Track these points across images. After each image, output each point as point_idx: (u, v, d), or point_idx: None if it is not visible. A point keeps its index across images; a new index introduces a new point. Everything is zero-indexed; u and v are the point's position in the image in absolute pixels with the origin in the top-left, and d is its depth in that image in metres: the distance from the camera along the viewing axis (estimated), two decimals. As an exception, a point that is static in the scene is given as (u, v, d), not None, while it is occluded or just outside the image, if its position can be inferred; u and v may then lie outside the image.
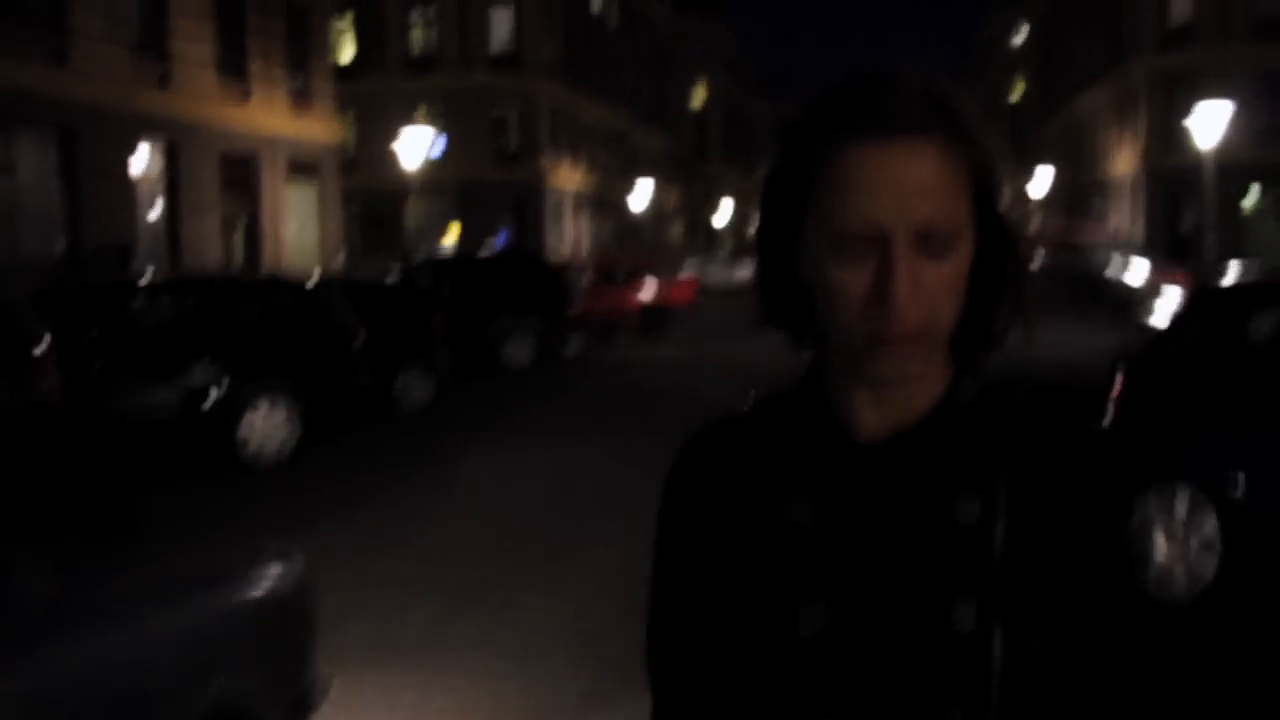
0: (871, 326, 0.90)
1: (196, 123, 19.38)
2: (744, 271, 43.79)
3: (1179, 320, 5.54)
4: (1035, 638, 0.92)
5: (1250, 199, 33.44)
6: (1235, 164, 29.80)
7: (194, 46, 19.49)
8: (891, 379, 0.93)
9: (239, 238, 21.28)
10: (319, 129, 24.02)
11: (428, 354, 12.60)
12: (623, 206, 47.48)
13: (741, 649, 0.97)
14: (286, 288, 10.76)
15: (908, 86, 0.92)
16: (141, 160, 18.23)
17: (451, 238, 37.06)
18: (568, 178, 42.18)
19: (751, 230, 1.04)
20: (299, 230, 23.39)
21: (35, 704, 2.31)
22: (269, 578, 3.08)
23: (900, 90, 0.92)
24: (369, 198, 35.10)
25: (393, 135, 34.97)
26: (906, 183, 0.89)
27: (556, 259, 25.86)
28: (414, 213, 37.82)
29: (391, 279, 15.71)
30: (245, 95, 21.19)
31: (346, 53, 36.89)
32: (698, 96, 67.66)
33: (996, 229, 0.96)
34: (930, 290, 0.90)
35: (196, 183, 19.57)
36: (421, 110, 37.52)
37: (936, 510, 0.94)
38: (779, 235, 0.97)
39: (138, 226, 17.85)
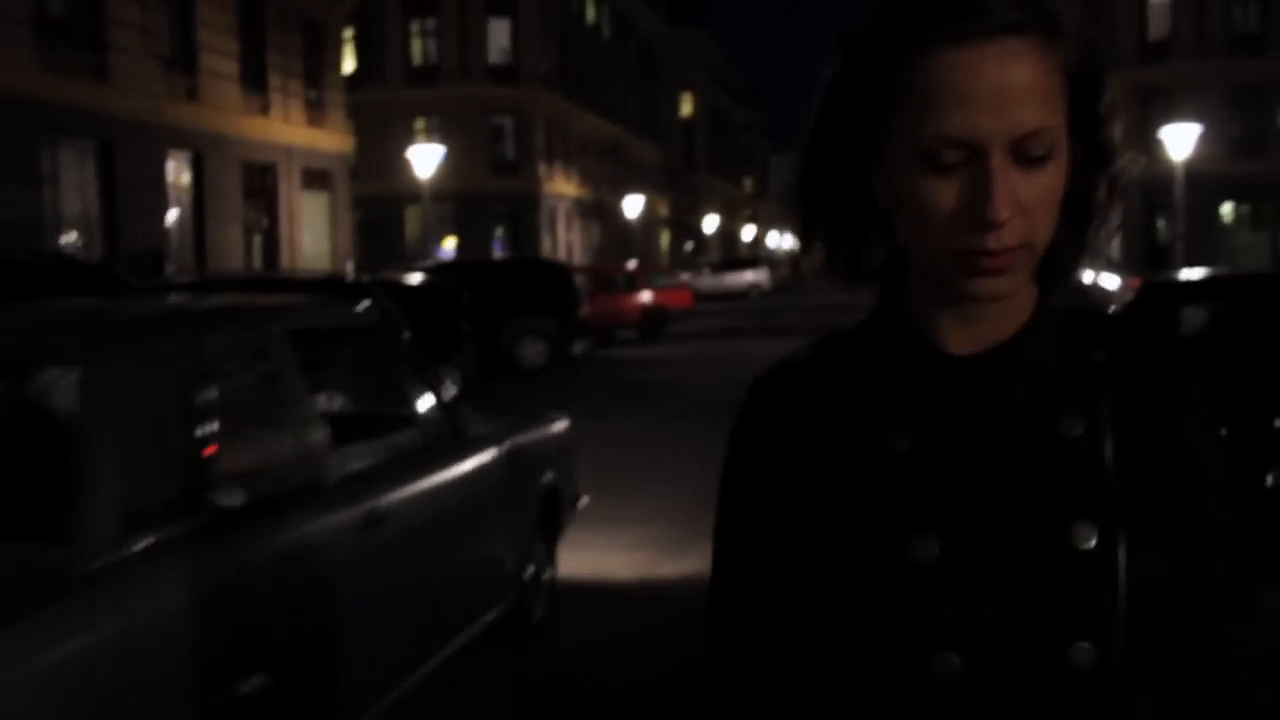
0: (966, 243, 0.85)
1: (221, 134, 20.27)
2: (733, 278, 44.94)
3: (1128, 311, 6.44)
4: (1157, 551, 0.89)
5: (1227, 208, 34.74)
6: (1211, 175, 31.06)
7: (220, 61, 20.40)
8: (985, 297, 0.88)
9: (258, 243, 22.15)
10: (331, 139, 24.94)
11: (459, 352, 13.53)
12: (614, 214, 48.47)
13: (842, 595, 0.90)
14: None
15: None
16: (171, 170, 19.11)
17: (450, 244, 37.92)
18: (562, 186, 43.14)
19: (809, 155, 0.95)
20: (312, 237, 24.30)
21: (476, 472, 4.22)
22: (560, 421, 5.36)
23: None
24: (369, 205, 35.92)
25: (393, 145, 35.98)
26: (1003, 88, 0.84)
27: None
28: (412, 220, 38.76)
29: (415, 282, 16.60)
30: (265, 108, 22.09)
31: (348, 64, 37.76)
32: (685, 106, 68.77)
33: (1095, 138, 0.91)
34: (1027, 203, 0.85)
35: (220, 191, 20.45)
36: (421, 120, 38.49)
37: (1039, 428, 0.90)
38: (844, 155, 0.93)
39: (168, 233, 18.70)
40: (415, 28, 39.08)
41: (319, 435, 3.25)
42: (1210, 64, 33.13)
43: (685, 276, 34.34)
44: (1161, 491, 0.91)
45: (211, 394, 2.85)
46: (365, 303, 4.62)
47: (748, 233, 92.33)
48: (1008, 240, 0.85)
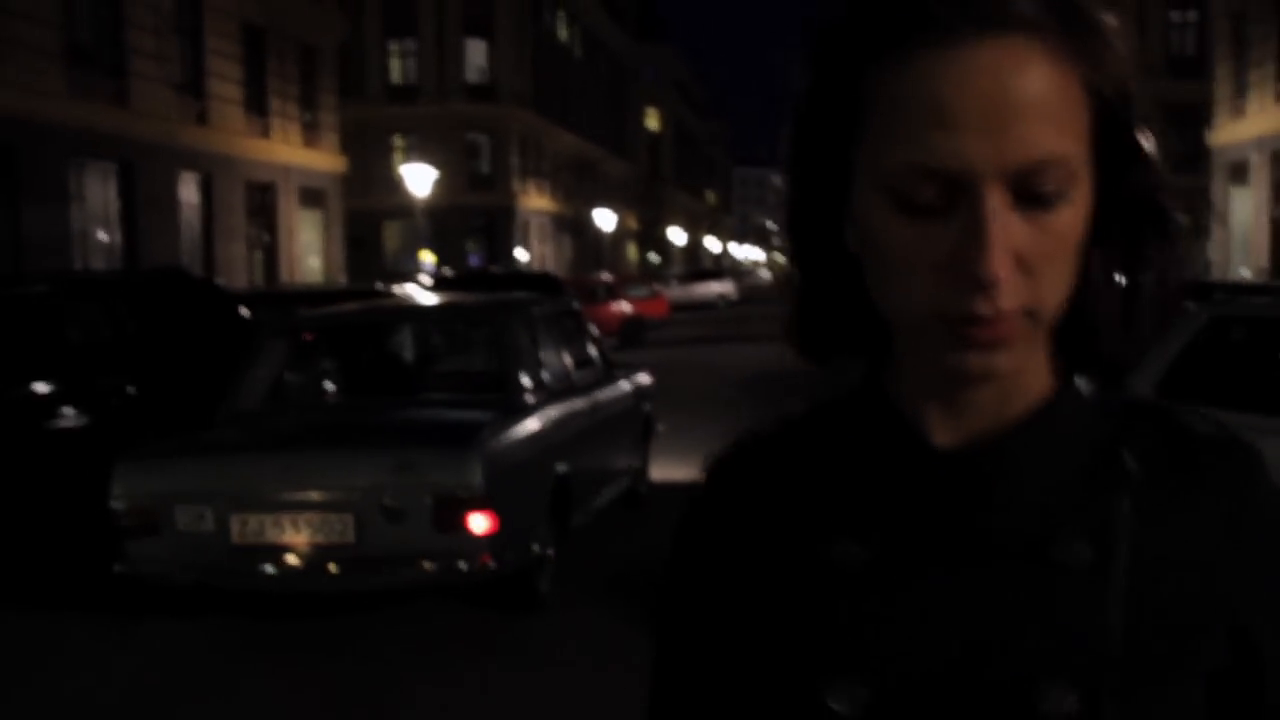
0: (949, 306, 0.63)
1: (227, 155, 21.43)
2: (702, 289, 46.48)
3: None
4: None
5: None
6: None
7: (226, 87, 21.58)
8: (974, 376, 0.65)
9: (259, 259, 23.30)
10: (325, 159, 26.15)
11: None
12: (586, 228, 49.85)
13: None
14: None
15: None
16: (183, 190, 20.27)
17: (429, 258, 39.10)
18: (536, 201, 44.45)
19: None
20: (308, 252, 25.49)
21: (618, 393, 7.17)
22: (647, 374, 8.17)
23: None
24: (350, 220, 37.04)
25: (372, 161, 37.11)
26: (1002, 103, 0.61)
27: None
28: (391, 234, 39.87)
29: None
30: (266, 130, 23.27)
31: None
32: (651, 121, 70.37)
33: (1127, 170, 0.67)
34: (1031, 257, 0.63)
35: (227, 210, 21.60)
36: (399, 138, 39.67)
37: (1033, 552, 0.67)
38: (815, 191, 0.71)
39: (181, 250, 19.82)
40: (394, 48, 40.28)
41: (570, 362, 6.54)
42: (1152, 85, 35.19)
43: (659, 287, 35.82)
44: (1189, 663, 0.66)
45: (539, 337, 6.14)
46: (569, 295, 8.05)
47: (713, 244, 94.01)
48: (1005, 304, 0.62)
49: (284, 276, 23.54)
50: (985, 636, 0.68)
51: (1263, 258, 23.86)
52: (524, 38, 42.23)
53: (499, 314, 6.19)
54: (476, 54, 40.82)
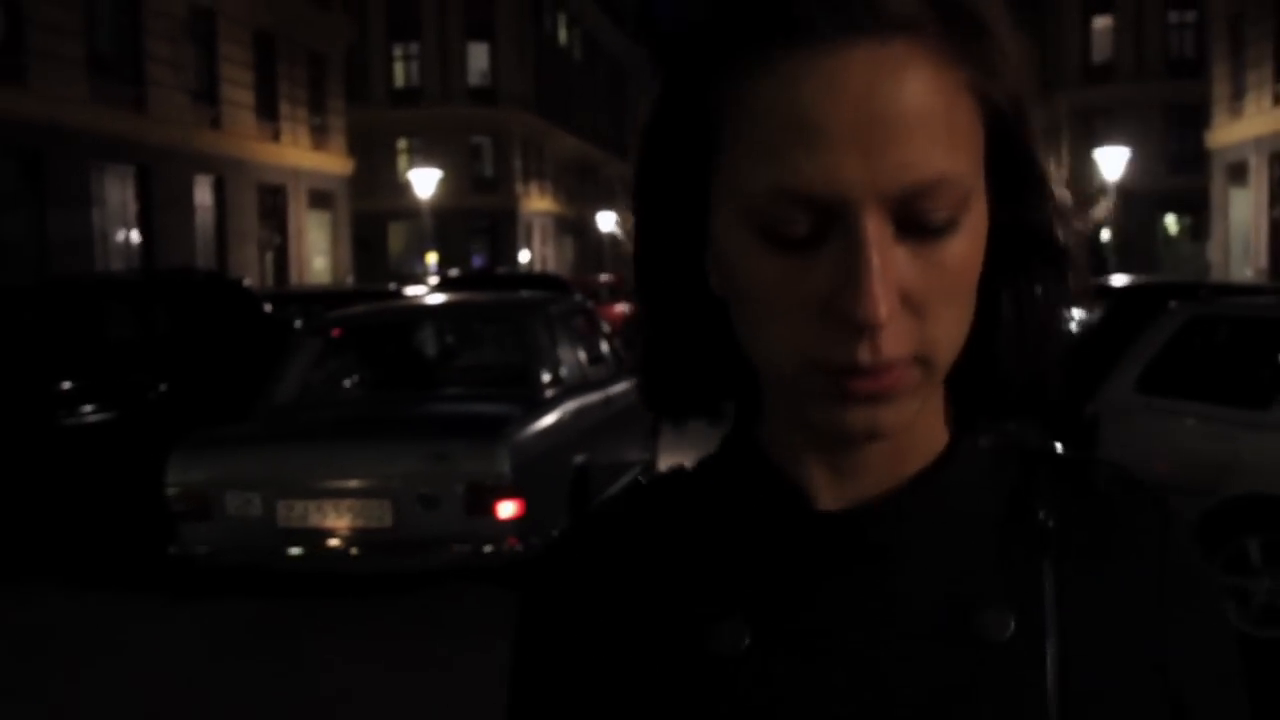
0: (827, 354, 0.54)
1: (240, 159, 21.89)
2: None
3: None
4: None
5: (1170, 220, 37.24)
6: (1151, 190, 33.51)
7: (238, 92, 22.04)
8: (858, 435, 0.56)
9: (269, 260, 23.75)
10: (333, 162, 26.61)
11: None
12: (587, 229, 50.29)
13: None
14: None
15: None
16: (197, 193, 20.73)
17: (433, 259, 39.56)
18: (538, 203, 44.89)
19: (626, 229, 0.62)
20: (316, 253, 25.95)
21: (609, 404, 6.89)
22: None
23: None
24: (355, 222, 37.49)
25: (377, 164, 37.54)
26: (878, 114, 0.52)
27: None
28: (395, 236, 40.30)
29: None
30: (276, 134, 23.74)
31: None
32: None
33: (1025, 192, 0.59)
34: (919, 295, 0.54)
35: (239, 212, 22.06)
36: (403, 140, 40.13)
37: (946, 625, 0.59)
38: (671, 223, 0.60)
39: (196, 251, 20.27)
40: (398, 52, 40.72)
41: (585, 357, 6.89)
42: (1148, 86, 35.62)
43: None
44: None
45: (557, 334, 6.45)
46: (579, 294, 8.10)
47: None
48: (889, 351, 0.53)
49: (294, 277, 23.99)
50: None
51: (1262, 258, 24.24)
52: (525, 41, 42.66)
53: (520, 313, 6.64)
54: (479, 57, 41.26)
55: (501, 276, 23.16)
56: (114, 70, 18.24)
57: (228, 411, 6.23)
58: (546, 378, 6.16)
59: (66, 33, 16.82)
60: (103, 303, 8.45)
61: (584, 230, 50.80)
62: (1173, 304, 5.66)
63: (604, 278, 30.34)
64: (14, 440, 6.70)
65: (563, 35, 49.84)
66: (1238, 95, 24.42)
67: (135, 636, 5.53)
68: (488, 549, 5.31)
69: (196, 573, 5.80)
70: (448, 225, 40.03)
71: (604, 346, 7.62)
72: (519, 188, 42.23)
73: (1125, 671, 0.60)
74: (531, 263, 42.76)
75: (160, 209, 19.24)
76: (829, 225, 0.53)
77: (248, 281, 10.87)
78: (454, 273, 23.67)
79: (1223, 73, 26.22)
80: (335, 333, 6.83)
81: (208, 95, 20.99)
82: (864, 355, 0.53)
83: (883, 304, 0.52)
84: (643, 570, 0.65)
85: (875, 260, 0.52)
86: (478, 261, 40.65)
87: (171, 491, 5.49)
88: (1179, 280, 9.70)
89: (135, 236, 18.92)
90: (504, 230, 41.49)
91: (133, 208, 18.89)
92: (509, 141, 41.47)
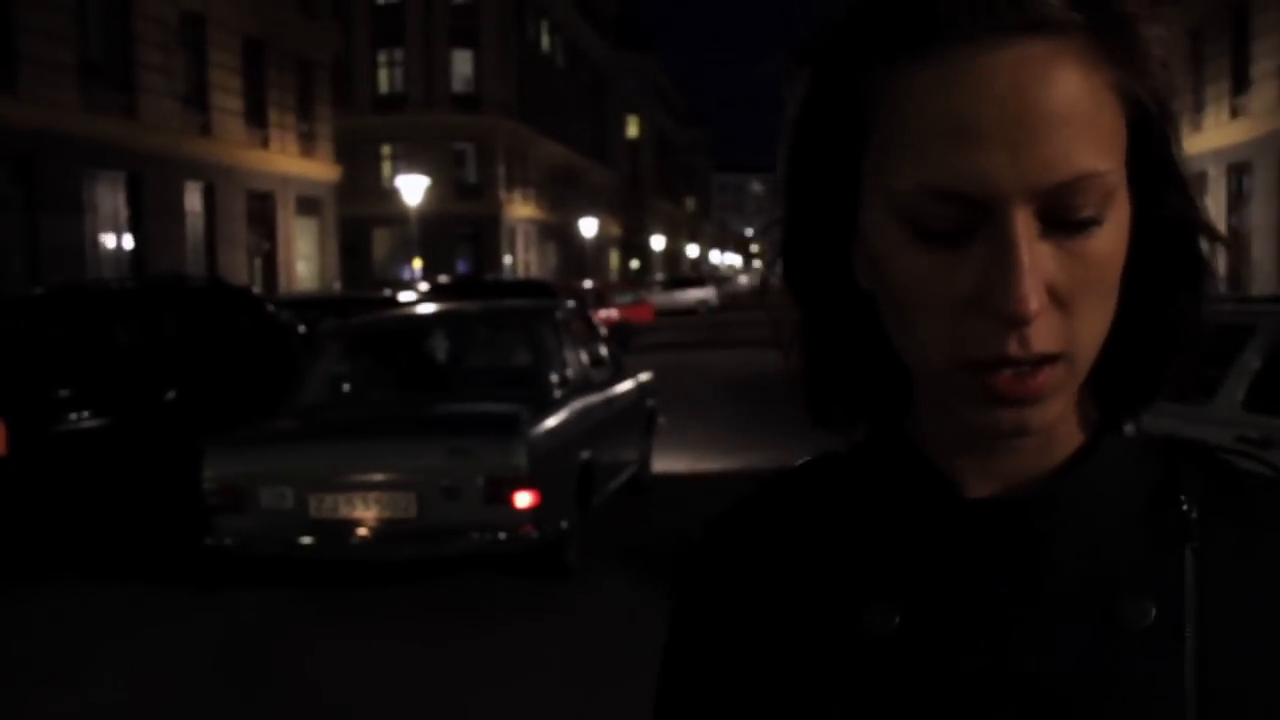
0: (977, 348, 0.56)
1: (229, 165, 22.13)
2: (683, 296, 47.40)
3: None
4: None
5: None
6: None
7: (228, 99, 22.29)
8: (1006, 433, 0.58)
9: (258, 265, 23.99)
10: (321, 169, 26.87)
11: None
12: (570, 235, 50.66)
13: None
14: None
15: None
16: (187, 199, 20.97)
17: (418, 265, 39.80)
18: (521, 209, 45.22)
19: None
20: (304, 259, 26.20)
21: (626, 389, 7.95)
22: (649, 373, 9.07)
23: None
24: (340, 228, 37.67)
25: (361, 170, 37.75)
26: (1026, 113, 0.54)
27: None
28: (380, 242, 40.53)
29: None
30: (265, 140, 23.98)
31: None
32: (631, 128, 71.31)
33: (1161, 196, 0.60)
34: (1066, 291, 0.56)
35: (228, 218, 22.30)
36: (387, 146, 40.38)
37: (1088, 611, 0.61)
38: (821, 219, 0.63)
39: (186, 257, 20.50)
40: (383, 58, 40.99)
41: (587, 360, 7.36)
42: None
43: (645, 294, 36.70)
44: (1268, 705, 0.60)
45: (562, 337, 7.00)
46: (563, 301, 8.47)
47: (692, 251, 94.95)
48: (1038, 346, 0.55)
49: (282, 283, 24.23)
50: (1040, 712, 0.60)
51: (1220, 265, 24.83)
52: (508, 48, 43.01)
53: (529, 318, 7.04)
54: (462, 64, 41.59)
55: (489, 283, 23.49)
56: (105, 77, 18.47)
57: (237, 414, 6.54)
58: (555, 379, 6.55)
59: (58, 39, 17.05)
60: (111, 310, 8.65)
61: (566, 236, 51.15)
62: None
63: (588, 283, 30.80)
64: (25, 446, 6.77)
65: (545, 42, 50.23)
66: (1198, 108, 25.05)
67: (163, 625, 5.82)
68: (506, 536, 5.69)
69: (224, 563, 6.14)
70: (432, 231, 40.27)
71: (602, 350, 8.01)
72: (502, 194, 42.55)
73: (1266, 666, 0.60)
74: (514, 268, 43.08)
75: (151, 215, 19.47)
76: (977, 222, 0.55)
77: (256, 289, 11.13)
78: (443, 279, 23.94)
79: (1183, 86, 26.93)
80: (357, 337, 7.22)
81: (198, 102, 21.24)
82: (1013, 348, 0.55)
83: (1033, 298, 0.54)
84: (796, 553, 0.68)
85: (1025, 255, 0.54)
86: (462, 267, 40.94)
87: (208, 486, 5.83)
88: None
89: (126, 242, 19.14)
90: (487, 236, 41.78)
91: (124, 214, 19.11)
92: (492, 148, 41.80)
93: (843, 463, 0.70)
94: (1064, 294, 0.56)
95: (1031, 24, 0.55)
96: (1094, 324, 0.58)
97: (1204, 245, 0.63)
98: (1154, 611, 0.61)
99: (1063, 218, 0.55)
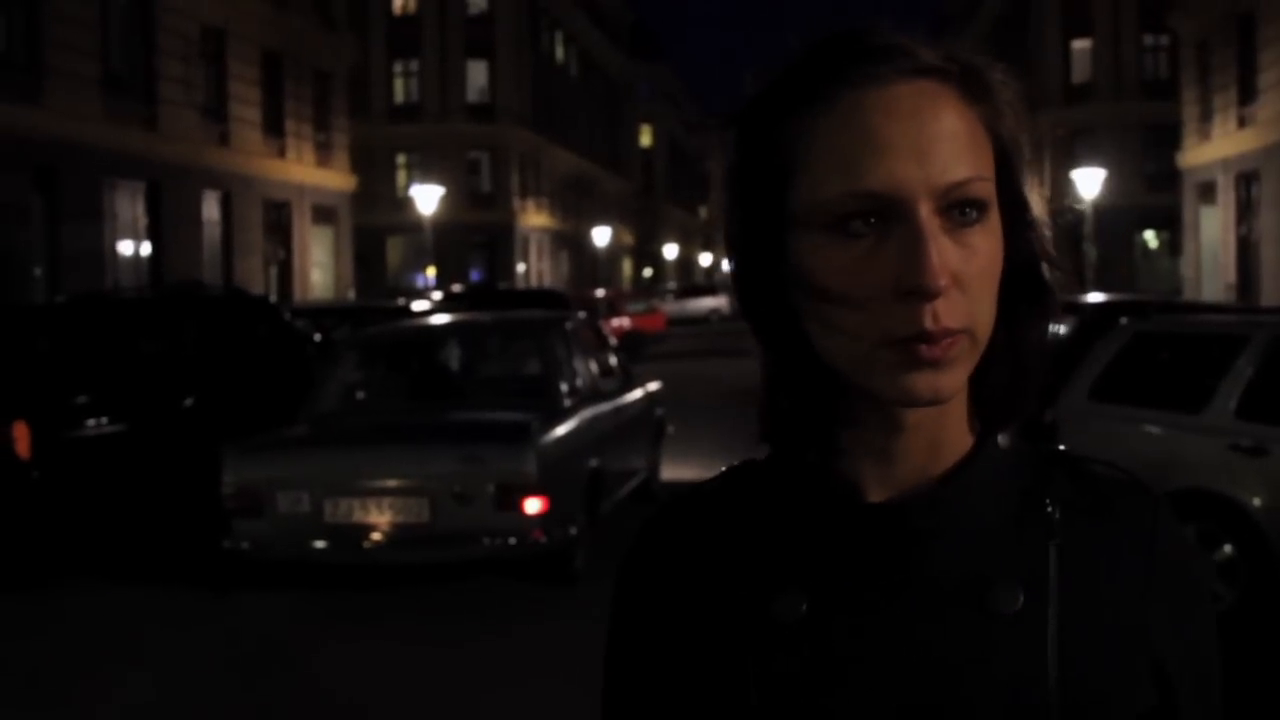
0: (894, 328, 0.68)
1: (247, 175, 22.43)
2: (695, 304, 47.55)
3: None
4: None
5: (1149, 236, 37.97)
6: (1130, 206, 34.21)
7: (246, 109, 22.59)
8: (924, 398, 0.69)
9: (274, 274, 24.26)
10: (337, 178, 27.17)
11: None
12: (583, 244, 50.87)
13: None
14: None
15: (901, 34, 0.72)
16: (205, 208, 21.26)
17: (431, 273, 40.10)
18: (534, 218, 45.45)
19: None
20: (319, 267, 26.48)
21: (635, 398, 8.19)
22: (657, 382, 9.28)
23: (894, 36, 0.72)
24: (354, 237, 37.96)
25: (376, 179, 38.05)
26: (924, 131, 0.69)
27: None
28: (394, 250, 40.80)
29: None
30: (282, 150, 24.29)
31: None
32: (645, 137, 71.54)
33: (1017, 224, 0.73)
34: (963, 276, 0.69)
35: (245, 227, 22.58)
36: (402, 156, 40.69)
37: (967, 599, 0.72)
38: (758, 250, 0.74)
39: (203, 265, 20.77)
40: (399, 69, 41.30)
41: (596, 370, 7.51)
42: (1126, 106, 36.43)
43: (657, 303, 36.86)
44: (1122, 707, 0.72)
45: (572, 348, 7.13)
46: (576, 310, 8.50)
47: (705, 259, 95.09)
48: (947, 320, 0.67)
49: (297, 291, 24.49)
50: (926, 686, 0.71)
51: (1231, 274, 24.89)
52: (523, 59, 43.28)
53: (540, 329, 7.21)
54: (477, 74, 41.87)
55: (503, 292, 23.63)
56: (127, 88, 18.78)
57: (255, 421, 6.70)
58: (565, 388, 6.71)
59: (82, 52, 17.36)
60: (131, 318, 8.82)
61: (580, 245, 51.35)
62: (1123, 321, 6.25)
63: (600, 292, 30.95)
64: (47, 450, 6.84)
65: (559, 53, 50.51)
66: (1206, 118, 25.06)
67: (181, 627, 5.99)
68: (515, 541, 5.85)
69: (242, 566, 6.31)
70: (446, 240, 40.51)
71: (612, 360, 8.16)
72: (516, 203, 42.77)
73: (1117, 641, 0.72)
74: (528, 277, 43.29)
75: (169, 224, 19.75)
76: (891, 220, 0.68)
77: (274, 298, 11.31)
78: (457, 288, 24.13)
79: (1191, 96, 26.91)
80: (372, 347, 7.40)
81: (217, 113, 21.54)
82: (928, 321, 0.67)
83: (941, 274, 0.67)
84: (718, 550, 0.79)
85: (931, 240, 0.67)
86: (475, 276, 41.16)
87: (226, 490, 6.01)
88: (1138, 299, 10.29)
89: (145, 250, 19.42)
90: (501, 245, 42.00)
91: (143, 222, 19.40)
92: (506, 157, 42.05)
93: (761, 470, 0.81)
94: (963, 279, 0.69)
95: (921, 70, 0.71)
96: (987, 307, 0.71)
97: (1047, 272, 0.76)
98: (1022, 598, 0.72)
99: (954, 214, 0.69)
